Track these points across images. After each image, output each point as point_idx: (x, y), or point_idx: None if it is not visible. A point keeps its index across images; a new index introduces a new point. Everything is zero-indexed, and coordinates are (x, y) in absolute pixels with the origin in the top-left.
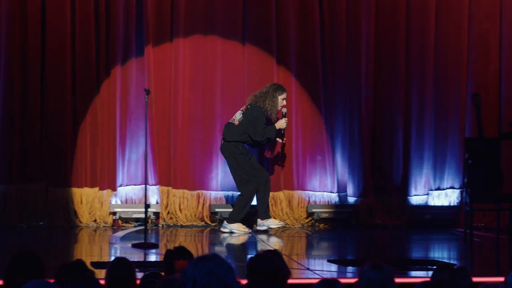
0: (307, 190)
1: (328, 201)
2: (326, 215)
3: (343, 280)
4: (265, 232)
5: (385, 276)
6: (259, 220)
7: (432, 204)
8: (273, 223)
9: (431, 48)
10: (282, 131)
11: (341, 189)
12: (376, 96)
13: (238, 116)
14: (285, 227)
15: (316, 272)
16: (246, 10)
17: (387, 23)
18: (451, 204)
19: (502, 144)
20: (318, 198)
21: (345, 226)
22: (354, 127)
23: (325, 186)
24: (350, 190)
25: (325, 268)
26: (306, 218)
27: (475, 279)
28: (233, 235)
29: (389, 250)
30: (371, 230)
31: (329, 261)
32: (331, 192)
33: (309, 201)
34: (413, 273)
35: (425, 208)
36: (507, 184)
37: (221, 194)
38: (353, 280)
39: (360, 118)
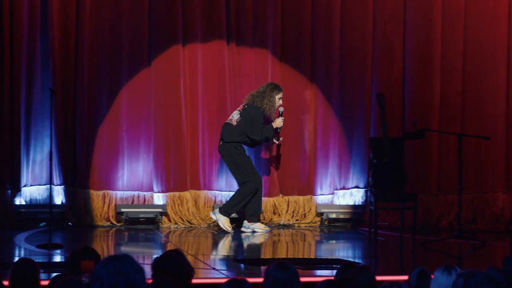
0: (214, 190)
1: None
2: (233, 214)
3: (249, 280)
4: (252, 233)
5: (290, 275)
6: (245, 222)
7: (337, 203)
8: (259, 227)
9: (336, 49)
10: (278, 130)
11: None
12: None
13: (235, 116)
14: (191, 226)
15: (223, 272)
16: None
17: (293, 23)
18: (356, 204)
19: (406, 144)
20: (225, 198)
21: None
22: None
23: (231, 186)
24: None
25: (231, 268)
26: None
27: (378, 278)
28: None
29: (294, 249)
30: (278, 229)
31: (235, 260)
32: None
33: (215, 201)
34: (319, 272)
35: (330, 207)
36: (410, 184)
37: (127, 194)
38: (259, 280)
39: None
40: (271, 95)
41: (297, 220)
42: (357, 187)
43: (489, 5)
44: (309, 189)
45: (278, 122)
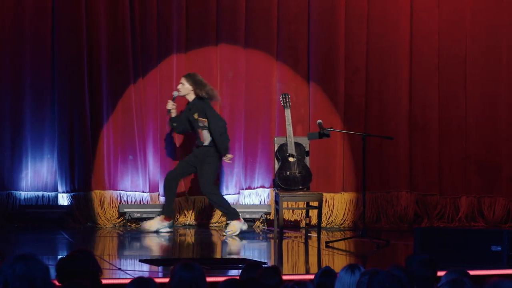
0: (119, 190)
1: (140, 201)
2: (138, 214)
3: (156, 280)
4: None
5: (196, 275)
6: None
7: (243, 203)
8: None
9: (241, 49)
10: (168, 114)
11: (153, 189)
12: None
13: None
14: (97, 227)
15: (128, 272)
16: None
17: (198, 21)
18: (262, 203)
19: (311, 143)
20: (130, 198)
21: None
22: (165, 126)
23: (137, 186)
24: (161, 189)
25: (137, 268)
26: (118, 218)
27: (284, 277)
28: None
29: (201, 249)
30: (184, 229)
31: (140, 261)
32: (143, 191)
33: (120, 201)
34: (225, 272)
35: (236, 207)
36: (316, 183)
37: (31, 194)
38: (166, 280)
39: None
40: None
41: (203, 220)
42: (262, 186)
43: (391, 6)
44: None
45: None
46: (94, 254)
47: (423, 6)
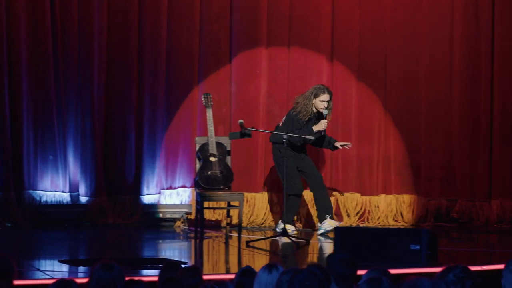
0: (39, 190)
1: (60, 201)
2: (58, 215)
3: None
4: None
5: (115, 275)
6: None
7: (164, 203)
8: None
9: (163, 48)
10: (322, 133)
11: (73, 189)
12: (109, 95)
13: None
14: (16, 227)
15: (47, 272)
16: None
17: (120, 21)
18: (183, 203)
19: (232, 143)
20: (50, 198)
21: (77, 226)
22: (86, 126)
23: (57, 186)
24: (82, 189)
25: (56, 269)
26: (37, 218)
27: (205, 277)
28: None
29: (121, 249)
30: (104, 229)
31: (60, 261)
32: (63, 192)
33: (40, 201)
34: (145, 271)
35: (157, 207)
36: (237, 183)
37: None
38: (86, 280)
39: (93, 118)
40: (309, 98)
41: (124, 220)
42: (184, 186)
43: (313, 5)
44: (135, 189)
45: (318, 125)
46: (10, 255)
47: (344, 6)
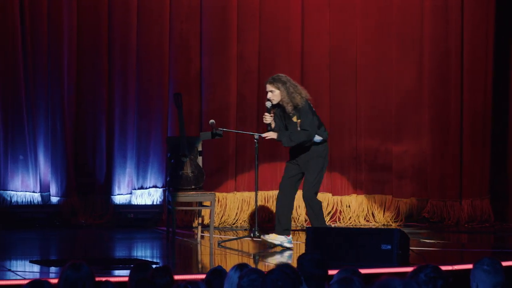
0: (9, 190)
1: (30, 201)
2: (29, 215)
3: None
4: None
5: (83, 275)
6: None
7: (135, 203)
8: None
9: (133, 47)
10: (268, 128)
11: (44, 189)
12: (79, 95)
13: None
14: None
15: (18, 273)
16: None
17: (90, 20)
18: (154, 203)
19: (204, 143)
20: (21, 198)
21: (48, 226)
22: (56, 126)
23: (27, 186)
24: (53, 189)
25: (27, 269)
26: (8, 218)
27: (176, 277)
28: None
29: (93, 250)
30: (75, 229)
31: (31, 261)
32: (33, 192)
33: (11, 201)
34: (116, 272)
35: (129, 207)
36: (208, 183)
37: None
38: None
39: (63, 117)
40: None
41: (95, 220)
42: (155, 186)
43: (283, 6)
44: (107, 189)
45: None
46: None
47: (314, 6)
